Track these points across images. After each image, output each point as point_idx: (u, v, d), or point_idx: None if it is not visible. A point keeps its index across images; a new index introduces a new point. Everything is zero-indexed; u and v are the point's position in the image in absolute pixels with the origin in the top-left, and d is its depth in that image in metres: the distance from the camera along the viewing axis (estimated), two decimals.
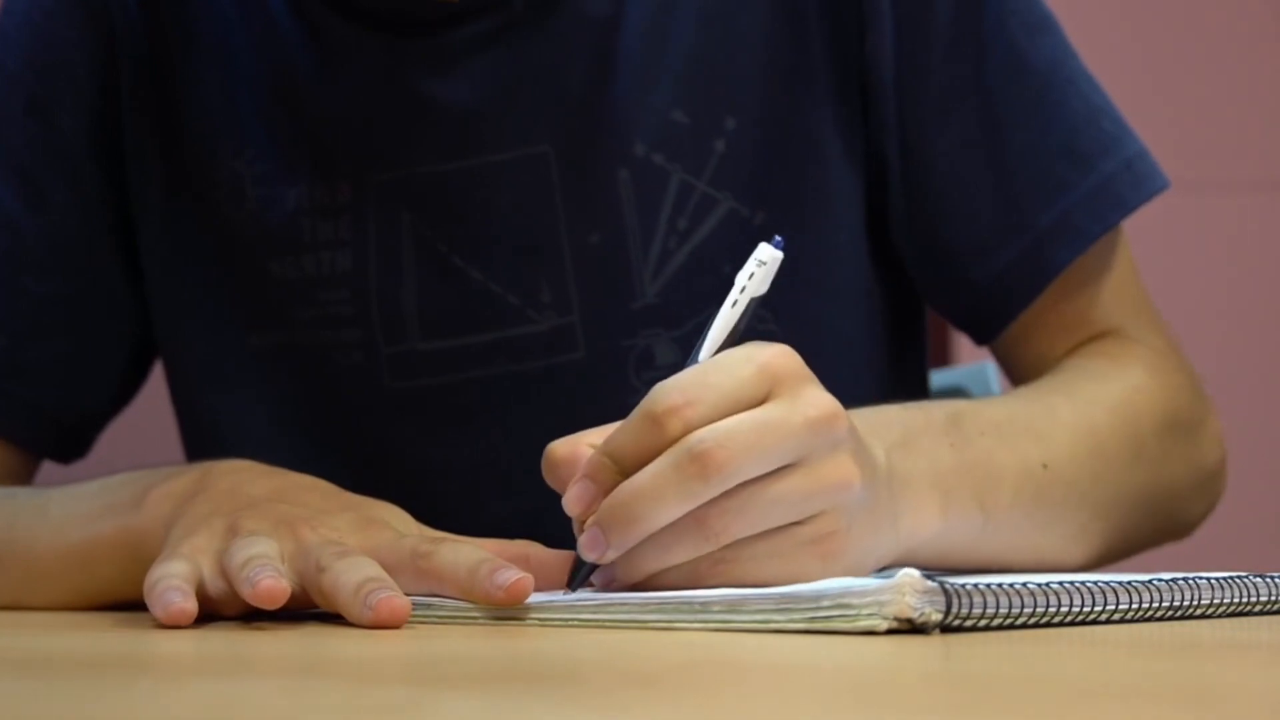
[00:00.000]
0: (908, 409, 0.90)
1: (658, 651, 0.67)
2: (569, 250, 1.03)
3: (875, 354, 1.08)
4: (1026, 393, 1.00)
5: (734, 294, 0.81)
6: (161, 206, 1.07)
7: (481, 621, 0.76)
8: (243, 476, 0.89)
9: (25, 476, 1.10)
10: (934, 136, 1.04)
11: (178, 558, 0.82)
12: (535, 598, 0.77)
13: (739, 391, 0.76)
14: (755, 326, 1.03)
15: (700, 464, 0.75)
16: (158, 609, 0.78)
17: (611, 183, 1.03)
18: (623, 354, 1.04)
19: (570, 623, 0.75)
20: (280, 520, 0.83)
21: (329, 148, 1.05)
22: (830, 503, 0.77)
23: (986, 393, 1.35)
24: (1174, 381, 1.04)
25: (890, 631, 0.68)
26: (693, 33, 1.03)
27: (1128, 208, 1.04)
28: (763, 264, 0.81)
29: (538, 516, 0.99)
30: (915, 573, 0.69)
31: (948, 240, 1.05)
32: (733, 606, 0.72)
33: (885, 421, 0.86)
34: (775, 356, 0.78)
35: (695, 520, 0.76)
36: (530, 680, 0.60)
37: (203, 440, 1.09)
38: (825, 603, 0.71)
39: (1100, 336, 1.05)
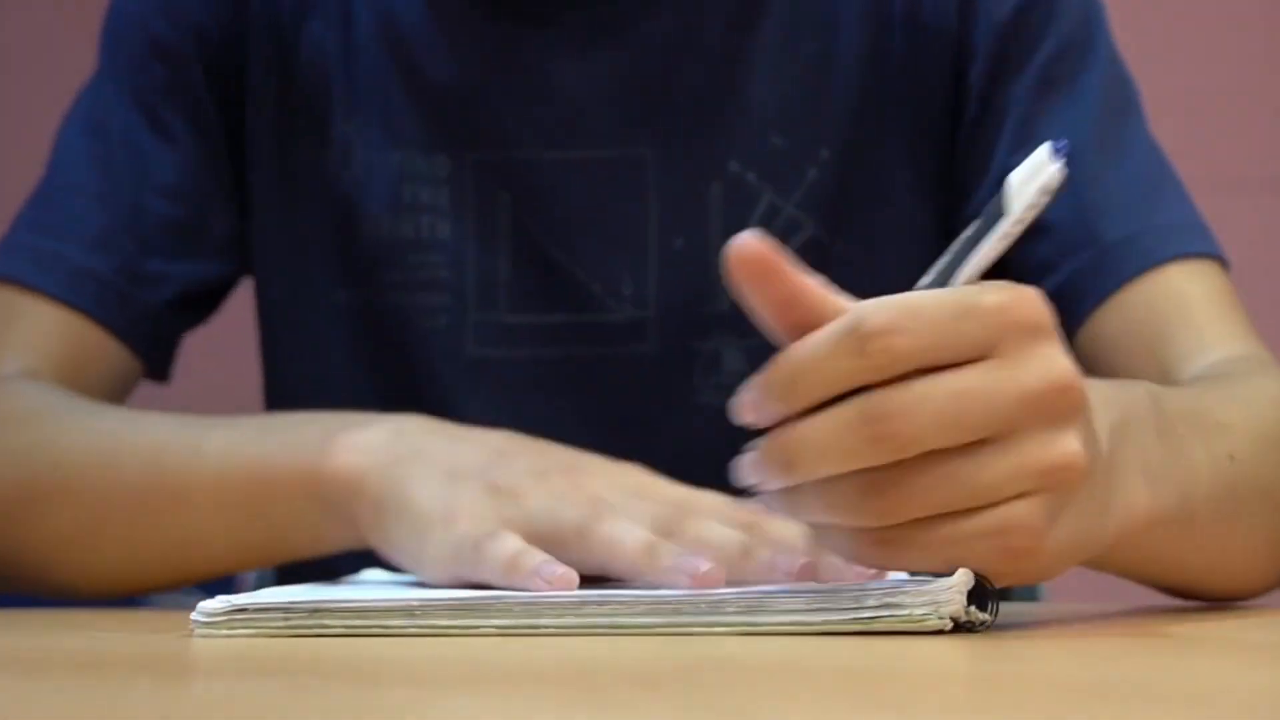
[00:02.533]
0: (1117, 385, 0.79)
1: (659, 651, 0.67)
2: (654, 250, 1.07)
3: None
4: (1195, 386, 0.94)
5: (1006, 225, 0.69)
6: (275, 156, 1.12)
7: (486, 632, 0.72)
8: (440, 438, 0.88)
9: (129, 386, 1.10)
10: (1011, 158, 1.05)
11: (501, 533, 0.80)
12: (534, 600, 0.74)
13: (955, 337, 0.66)
14: None
15: (874, 430, 0.65)
16: (541, 577, 0.77)
17: (703, 194, 1.07)
18: (691, 355, 1.07)
19: (573, 630, 0.71)
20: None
21: (435, 121, 1.09)
22: (1034, 486, 0.67)
23: None
24: None
25: (890, 631, 0.68)
26: (798, 63, 1.07)
27: (1191, 249, 1.03)
28: (1044, 184, 0.69)
29: None
30: (970, 572, 0.67)
31: (1021, 255, 1.05)
32: (751, 607, 0.69)
33: (1106, 395, 0.74)
34: (1010, 302, 0.67)
35: (864, 486, 0.67)
36: (530, 680, 0.60)
37: (282, 385, 1.14)
38: (870, 601, 0.67)
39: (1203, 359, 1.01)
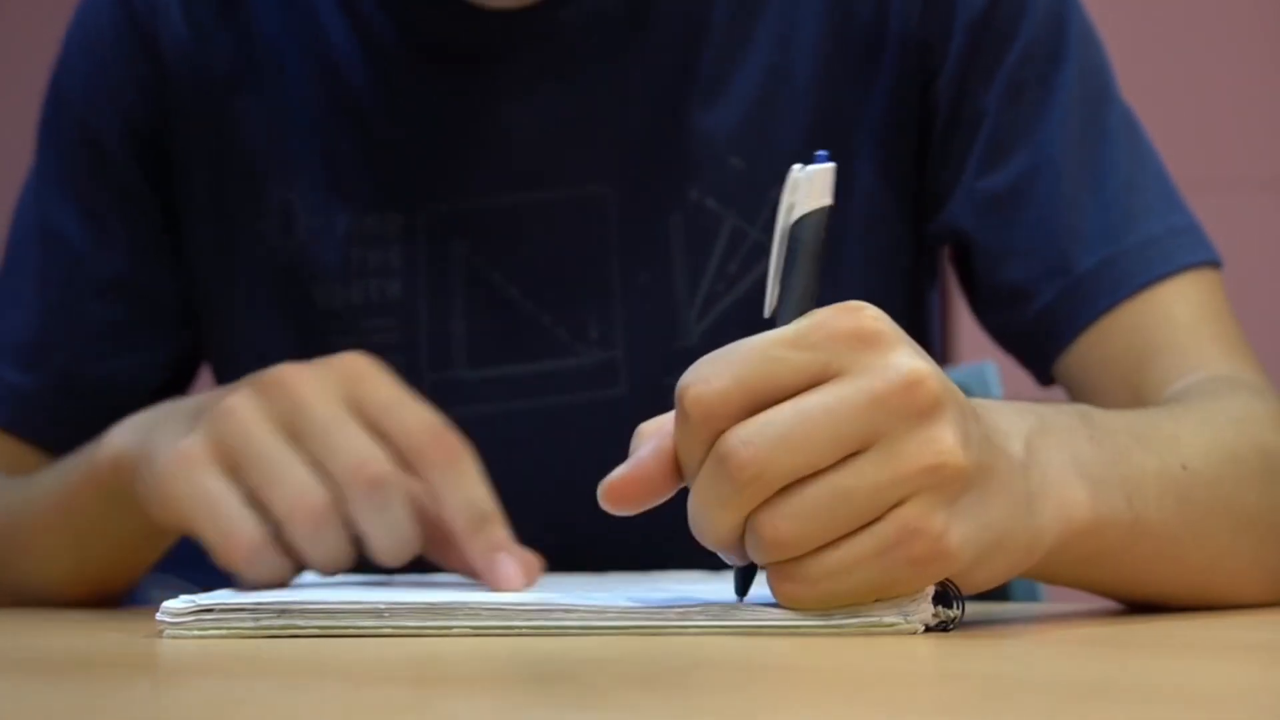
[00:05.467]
0: (1032, 402, 0.78)
1: (658, 652, 0.67)
2: (619, 287, 1.04)
3: None
4: (1145, 408, 0.92)
5: (776, 241, 0.70)
6: (210, 236, 1.09)
7: (457, 633, 0.71)
8: (191, 399, 0.90)
9: None
10: (981, 179, 1.03)
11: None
12: (518, 598, 0.73)
13: (778, 368, 0.67)
14: None
15: (726, 468, 0.66)
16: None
17: (663, 225, 1.04)
18: (664, 393, 1.02)
19: (546, 632, 0.71)
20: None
21: (386, 176, 1.06)
22: (912, 488, 0.66)
23: (986, 393, 1.35)
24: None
25: (889, 631, 0.68)
26: (756, 83, 1.04)
27: (1170, 265, 1.00)
28: (794, 189, 0.70)
29: (576, 549, 0.99)
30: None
31: (995, 280, 1.04)
32: (719, 616, 0.69)
33: (1019, 409, 0.74)
34: (837, 319, 0.67)
35: (749, 529, 0.68)
36: (530, 680, 0.60)
37: None
38: (839, 611, 0.68)
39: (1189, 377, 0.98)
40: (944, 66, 1.04)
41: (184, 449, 0.82)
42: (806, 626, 0.68)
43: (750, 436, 0.66)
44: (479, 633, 0.71)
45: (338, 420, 0.81)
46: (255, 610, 0.72)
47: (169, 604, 0.73)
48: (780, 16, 1.05)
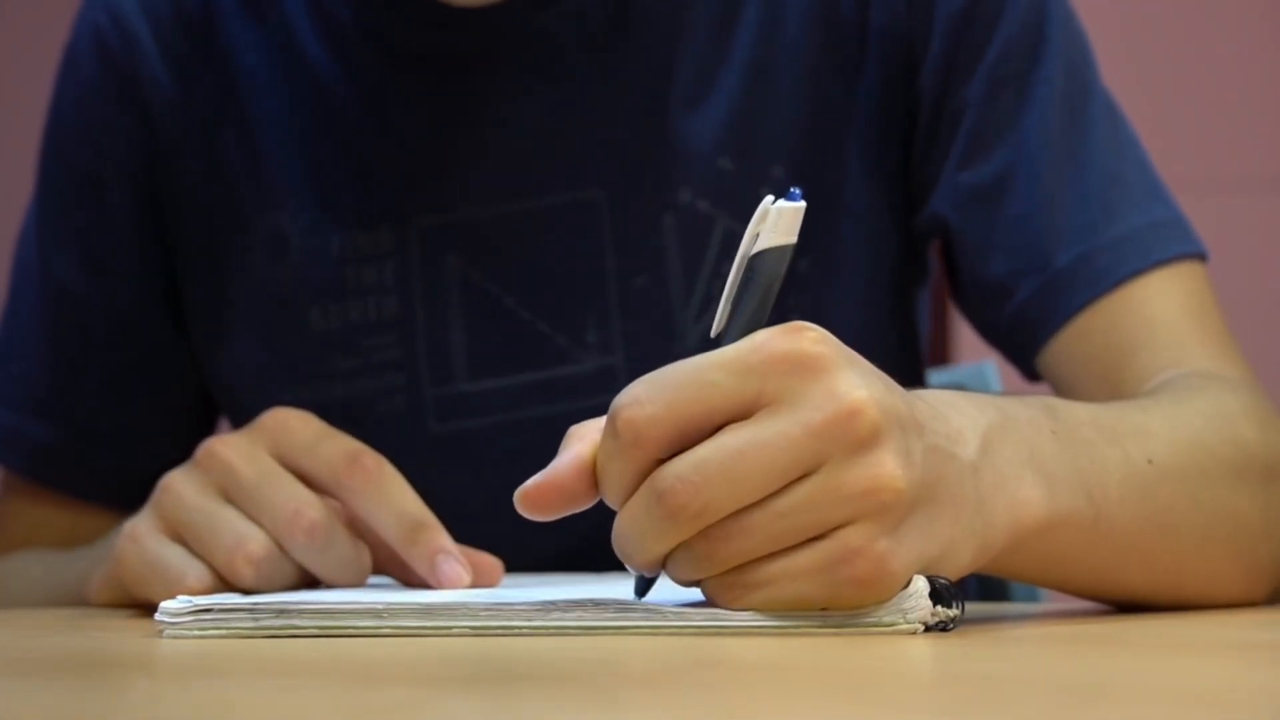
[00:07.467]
0: (999, 395, 0.78)
1: (658, 652, 0.67)
2: (615, 292, 1.04)
3: None
4: (1112, 403, 0.90)
5: (734, 268, 0.70)
6: (204, 273, 1.09)
7: (456, 633, 0.71)
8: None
9: (106, 531, 1.09)
10: (962, 172, 1.03)
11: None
12: (517, 598, 0.73)
13: (712, 394, 0.67)
14: None
15: (665, 506, 0.66)
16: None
17: (657, 228, 1.04)
18: None
19: (544, 631, 0.71)
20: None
21: (376, 192, 1.06)
22: (853, 512, 0.66)
23: (986, 392, 1.35)
24: (1259, 405, 0.92)
25: (889, 631, 0.68)
26: (741, 82, 1.04)
27: (1150, 259, 0.99)
28: (762, 219, 0.69)
29: (582, 556, 0.99)
30: (922, 578, 0.68)
31: (977, 274, 1.04)
32: (718, 617, 0.69)
33: (982, 403, 0.73)
34: (777, 341, 0.67)
35: (683, 547, 0.68)
36: (530, 680, 0.60)
37: None
38: (835, 617, 0.69)
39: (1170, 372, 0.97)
40: (926, 60, 1.04)
41: (129, 528, 0.85)
42: (805, 627, 0.69)
43: (687, 474, 0.66)
44: (478, 633, 0.71)
45: (266, 474, 0.84)
46: (254, 610, 0.72)
47: (168, 604, 0.73)
48: (762, 14, 1.05)
